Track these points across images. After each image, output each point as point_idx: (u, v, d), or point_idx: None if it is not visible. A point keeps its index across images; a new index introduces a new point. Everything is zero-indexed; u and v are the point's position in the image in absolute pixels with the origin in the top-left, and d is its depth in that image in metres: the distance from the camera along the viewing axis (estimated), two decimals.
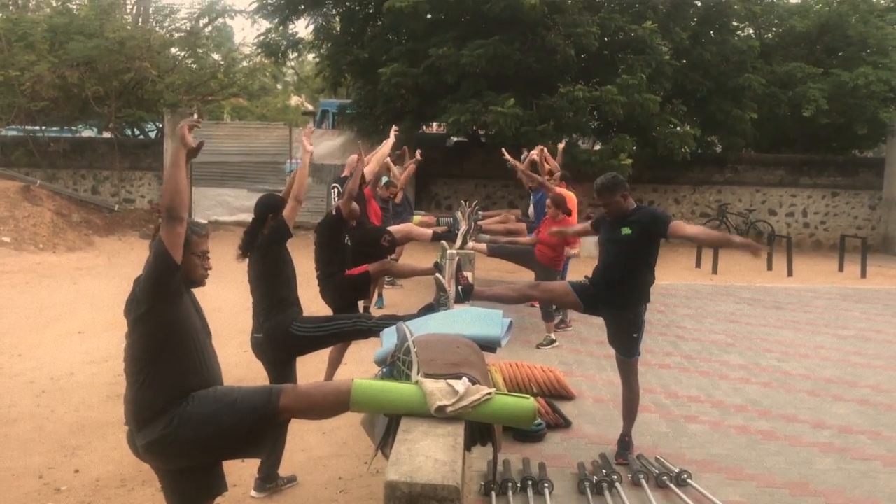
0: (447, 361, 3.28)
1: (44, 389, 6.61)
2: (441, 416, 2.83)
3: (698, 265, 14.32)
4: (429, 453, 2.51)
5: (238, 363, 6.66)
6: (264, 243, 4.75)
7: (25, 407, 6.18)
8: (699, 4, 16.52)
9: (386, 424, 3.37)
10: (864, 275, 13.55)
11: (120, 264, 13.29)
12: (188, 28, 19.87)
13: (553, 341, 7.91)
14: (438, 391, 2.87)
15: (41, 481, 4.86)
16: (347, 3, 16.84)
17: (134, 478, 4.92)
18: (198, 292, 3.38)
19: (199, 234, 3.32)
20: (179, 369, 3.11)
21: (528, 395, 3.12)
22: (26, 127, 17.57)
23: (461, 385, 2.91)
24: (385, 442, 3.35)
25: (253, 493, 4.69)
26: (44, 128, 18.09)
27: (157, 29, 19.92)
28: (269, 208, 4.89)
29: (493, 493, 4.41)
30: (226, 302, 8.99)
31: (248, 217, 17.86)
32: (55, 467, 5.08)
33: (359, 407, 3.02)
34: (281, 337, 4.74)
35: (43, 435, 5.64)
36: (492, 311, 4.18)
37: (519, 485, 4.53)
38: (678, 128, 14.97)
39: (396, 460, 2.46)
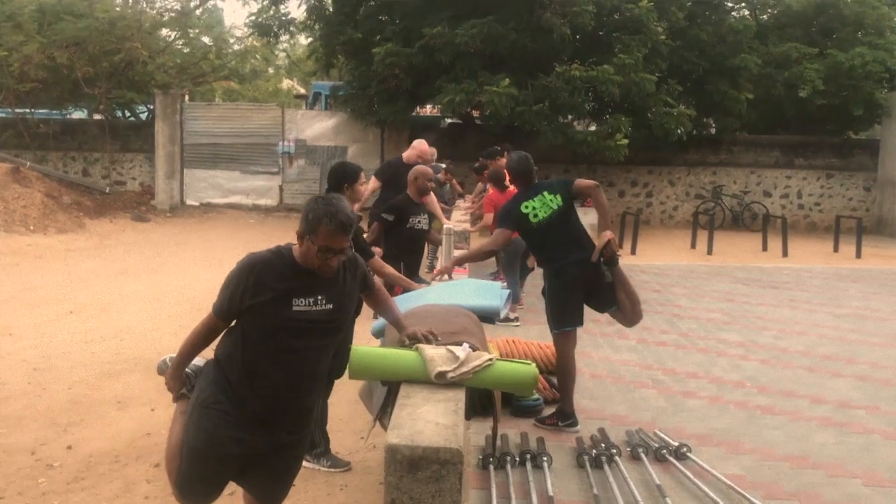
0: (446, 331, 3.22)
1: (36, 367, 6.53)
2: (442, 382, 2.78)
3: (693, 246, 14.28)
4: (430, 418, 2.45)
5: None
6: None
7: (17, 385, 6.11)
8: None
9: (384, 394, 3.32)
10: (859, 255, 13.53)
11: (111, 246, 13.21)
12: (179, 8, 19.62)
13: (510, 319, 7.85)
14: (439, 357, 2.81)
15: (33, 457, 4.79)
16: None
17: (128, 453, 4.86)
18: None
19: (328, 225, 2.78)
20: None
21: (529, 361, 3.06)
22: (16, 110, 17.36)
23: (462, 351, 2.85)
24: (383, 412, 3.30)
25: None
26: (33, 110, 17.90)
27: (147, 9, 19.68)
28: (346, 178, 4.68)
29: (492, 467, 4.36)
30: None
31: (241, 199, 17.92)
32: (47, 444, 5.01)
33: (357, 374, 2.96)
34: None
35: (35, 412, 5.57)
36: (491, 282, 4.12)
37: (517, 458, 4.49)
38: (674, 109, 14.87)
39: (397, 424, 2.40)
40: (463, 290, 4.02)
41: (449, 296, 3.91)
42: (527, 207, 5.16)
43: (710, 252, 13.62)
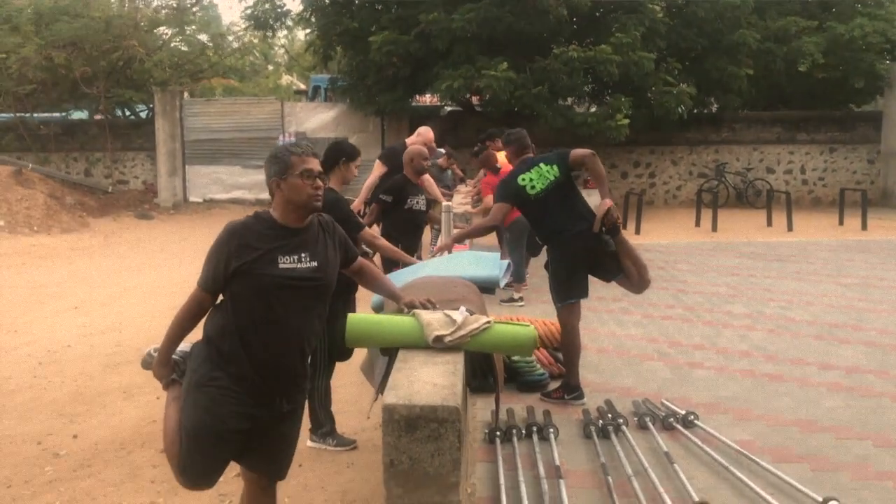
0: (444, 298, 3.20)
1: (41, 361, 6.53)
2: (439, 346, 2.75)
3: (698, 224, 14.23)
4: (427, 379, 2.43)
5: None
6: None
7: (23, 378, 6.11)
8: None
9: (385, 366, 3.30)
10: (864, 227, 13.45)
11: (115, 244, 13.22)
12: (175, 5, 19.57)
13: (514, 299, 7.84)
14: (436, 321, 2.78)
15: (40, 447, 4.79)
16: None
17: (133, 440, 4.85)
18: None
19: (296, 153, 2.91)
20: None
21: (528, 323, 3.03)
22: (16, 113, 17.37)
23: (459, 315, 2.82)
24: (385, 384, 3.27)
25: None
26: (34, 113, 17.90)
27: (143, 7, 19.65)
28: (343, 153, 4.64)
29: (498, 440, 4.33)
30: None
31: (243, 194, 17.92)
32: (54, 433, 5.00)
33: (353, 341, 2.93)
34: None
35: (41, 404, 5.57)
36: (489, 253, 4.09)
37: (524, 431, 4.46)
38: (674, 88, 14.78)
39: (394, 385, 2.38)
40: (460, 261, 3.99)
41: (446, 268, 3.89)
42: (523, 180, 5.13)
43: (714, 229, 13.55)
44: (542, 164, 5.16)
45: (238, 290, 2.81)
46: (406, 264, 4.44)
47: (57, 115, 18.88)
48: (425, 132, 7.82)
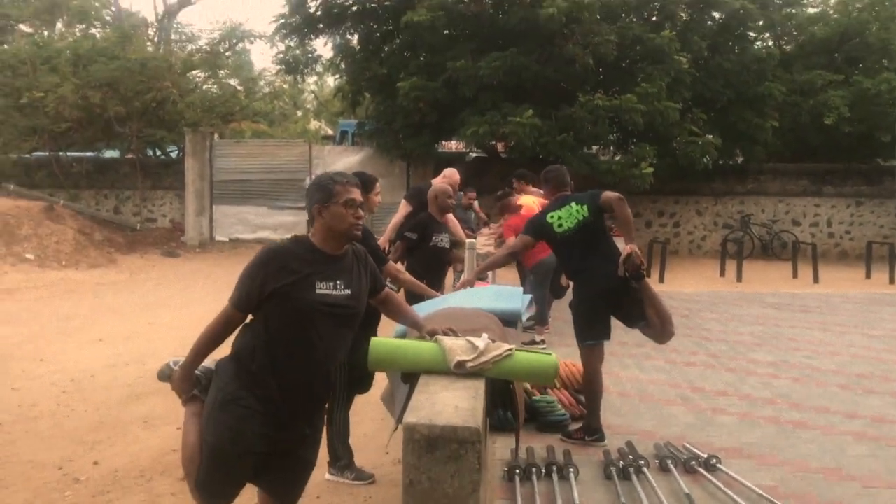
0: (466, 328, 3.21)
1: (64, 390, 6.60)
2: (461, 371, 2.76)
3: (722, 274, 14.14)
4: (449, 402, 2.44)
5: None
6: None
7: (46, 406, 6.17)
8: (717, 15, 16.46)
9: (406, 395, 3.30)
10: (892, 281, 13.30)
11: (142, 280, 13.37)
12: (209, 49, 20.07)
13: (535, 342, 7.79)
14: (458, 347, 2.80)
15: (60, 472, 4.83)
16: (366, 21, 16.94)
17: (153, 469, 4.88)
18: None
19: (340, 182, 2.98)
20: None
21: (550, 352, 3.03)
22: (50, 152, 17.76)
23: (481, 342, 2.83)
24: (405, 414, 3.28)
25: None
26: (67, 151, 18.30)
27: (178, 51, 20.16)
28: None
29: (517, 478, 4.29)
30: None
31: (270, 235, 18.21)
32: (74, 460, 5.04)
33: (376, 365, 2.95)
34: None
35: (63, 431, 5.61)
36: (511, 287, 4.11)
37: (543, 470, 4.42)
38: (699, 138, 14.83)
39: (415, 406, 2.39)
40: (483, 295, 4.02)
41: (469, 301, 3.90)
42: (552, 217, 5.15)
43: (739, 280, 13.46)
44: (573, 204, 5.19)
45: (273, 311, 2.84)
46: (430, 298, 4.46)
47: (89, 154, 19.29)
48: (451, 174, 7.89)
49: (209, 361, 3.10)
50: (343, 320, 2.90)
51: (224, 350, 3.06)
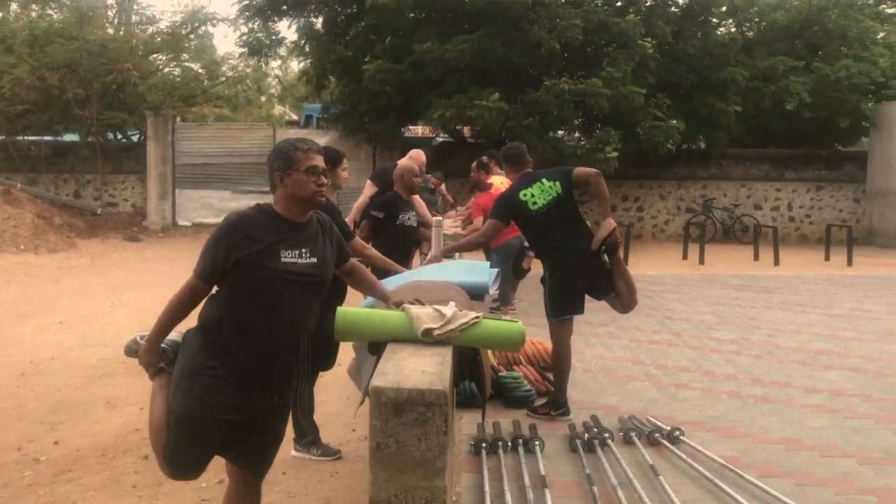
0: (433, 300, 3.21)
1: (24, 372, 6.49)
2: (428, 339, 2.75)
3: (685, 257, 14.30)
4: (415, 367, 2.44)
5: None
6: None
7: (5, 388, 6.06)
8: (681, 1, 16.58)
9: (373, 367, 3.29)
10: (850, 263, 13.56)
11: (103, 264, 13.17)
12: (171, 32, 19.73)
13: None
14: (425, 315, 2.80)
15: (20, 453, 4.75)
16: (330, 3, 16.77)
17: (116, 447, 4.82)
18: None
19: (301, 149, 2.93)
20: None
21: (516, 320, 3.04)
22: (6, 135, 17.37)
23: (449, 310, 2.83)
24: (372, 379, 3.27)
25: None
26: (25, 136, 17.90)
27: (139, 32, 19.80)
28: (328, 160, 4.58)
29: (484, 452, 4.32)
30: None
31: None
32: (34, 440, 4.96)
33: (342, 334, 2.93)
34: None
35: (23, 412, 5.52)
36: (477, 262, 4.11)
37: (510, 443, 4.45)
38: (663, 123, 14.94)
39: (382, 371, 2.38)
40: (451, 269, 4.02)
41: (436, 275, 3.90)
42: (525, 195, 5.14)
43: (701, 262, 13.62)
44: (544, 180, 5.18)
45: (238, 281, 2.81)
46: (396, 273, 4.45)
47: (48, 138, 18.90)
48: (417, 154, 7.86)
49: (175, 334, 3.06)
50: (309, 288, 2.88)
51: (190, 322, 3.03)
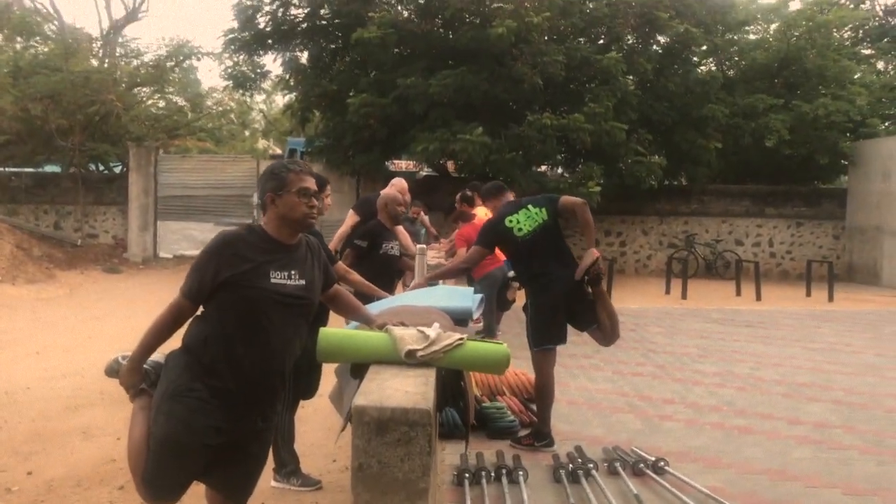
0: (417, 323, 3.17)
1: None
2: (412, 361, 2.71)
3: (668, 292, 14.33)
4: (399, 387, 2.40)
5: None
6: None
7: None
8: (662, 39, 16.82)
9: (354, 392, 3.24)
10: (831, 298, 13.64)
11: (81, 295, 13.01)
12: (155, 64, 19.76)
13: None
14: (409, 336, 2.76)
15: None
16: (315, 38, 16.88)
17: (91, 478, 4.70)
18: None
19: (294, 170, 2.92)
20: None
21: (501, 342, 3.01)
22: None
23: (432, 331, 2.80)
24: (355, 398, 3.22)
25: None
26: (5, 167, 17.79)
27: (123, 64, 19.82)
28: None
29: (467, 482, 4.25)
30: None
31: None
32: (7, 471, 4.83)
33: (325, 356, 2.89)
34: None
35: None
36: (461, 287, 4.09)
37: (493, 474, 4.39)
38: (645, 158, 15.06)
39: (365, 391, 2.34)
40: (434, 294, 3.99)
41: (420, 300, 3.87)
42: (511, 221, 5.14)
43: (684, 297, 13.66)
44: (530, 206, 5.18)
45: (225, 300, 2.77)
46: (379, 299, 4.41)
47: (29, 169, 18.80)
48: (399, 182, 7.87)
49: (158, 355, 3.01)
50: (297, 310, 2.84)
51: (173, 344, 2.98)
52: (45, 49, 20.20)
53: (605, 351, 7.93)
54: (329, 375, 4.10)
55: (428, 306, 3.64)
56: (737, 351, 8.59)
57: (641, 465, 4.57)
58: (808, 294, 14.30)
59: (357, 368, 3.07)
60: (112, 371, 3.09)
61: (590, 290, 5.03)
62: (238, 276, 2.73)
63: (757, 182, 18.90)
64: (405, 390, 2.35)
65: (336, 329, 2.95)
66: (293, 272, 2.83)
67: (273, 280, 2.77)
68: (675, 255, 16.86)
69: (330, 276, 3.18)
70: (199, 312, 2.91)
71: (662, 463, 4.58)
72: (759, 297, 13.65)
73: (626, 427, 5.60)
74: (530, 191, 14.26)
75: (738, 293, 14.24)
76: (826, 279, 14.23)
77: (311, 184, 2.91)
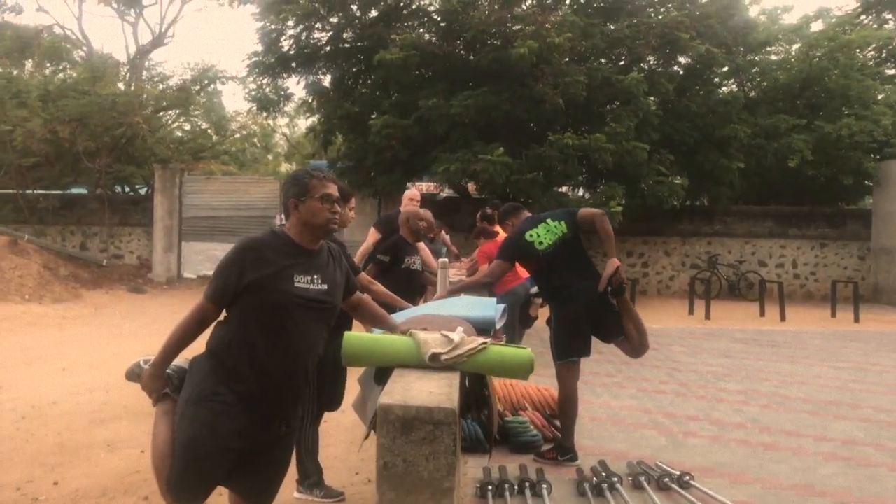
0: (440, 330, 3.18)
1: (24, 416, 6.41)
2: (436, 364, 2.72)
3: (691, 312, 14.23)
4: (423, 388, 2.40)
5: None
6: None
7: (5, 431, 5.98)
8: (683, 60, 16.83)
9: (378, 400, 3.25)
10: (857, 319, 13.47)
11: (106, 314, 13.15)
12: (181, 87, 20.07)
13: None
14: (433, 340, 2.77)
15: (19, 492, 4.66)
16: (338, 61, 17.07)
17: (115, 488, 4.73)
18: None
19: (317, 177, 2.96)
20: None
21: (525, 347, 3.01)
22: (18, 189, 17.53)
23: (456, 335, 2.81)
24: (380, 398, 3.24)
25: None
26: (34, 189, 18.07)
27: (149, 88, 20.15)
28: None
29: (489, 495, 4.24)
30: None
31: None
32: (33, 481, 4.88)
33: (350, 359, 2.91)
34: None
35: (22, 455, 5.44)
36: (485, 298, 4.10)
37: (517, 487, 4.37)
38: (667, 178, 15.02)
39: (390, 391, 2.35)
40: (457, 304, 3.99)
41: (443, 309, 3.87)
42: (531, 236, 5.15)
43: (707, 317, 13.55)
44: (549, 220, 5.19)
45: (249, 304, 2.80)
46: (401, 310, 4.42)
47: (57, 192, 19.09)
48: (411, 192, 7.95)
49: (181, 360, 3.03)
50: (319, 314, 2.87)
51: (196, 349, 3.00)
52: (74, 74, 20.62)
53: (628, 369, 7.94)
54: (352, 386, 4.12)
55: (451, 315, 3.64)
56: (761, 370, 8.50)
57: (666, 479, 4.53)
58: (833, 315, 14.13)
59: (381, 374, 3.08)
60: (133, 375, 3.11)
61: (614, 301, 5.02)
62: (262, 279, 2.76)
63: (780, 203, 18.76)
64: (429, 391, 2.36)
65: (361, 333, 2.97)
66: (315, 276, 2.86)
67: (297, 284, 2.80)
68: (698, 275, 16.74)
69: (352, 283, 3.21)
70: (222, 317, 2.93)
71: (688, 477, 4.54)
72: (783, 318, 13.50)
73: (650, 443, 5.56)
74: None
75: (762, 314, 14.10)
76: (851, 300, 14.06)
77: (333, 190, 2.94)
